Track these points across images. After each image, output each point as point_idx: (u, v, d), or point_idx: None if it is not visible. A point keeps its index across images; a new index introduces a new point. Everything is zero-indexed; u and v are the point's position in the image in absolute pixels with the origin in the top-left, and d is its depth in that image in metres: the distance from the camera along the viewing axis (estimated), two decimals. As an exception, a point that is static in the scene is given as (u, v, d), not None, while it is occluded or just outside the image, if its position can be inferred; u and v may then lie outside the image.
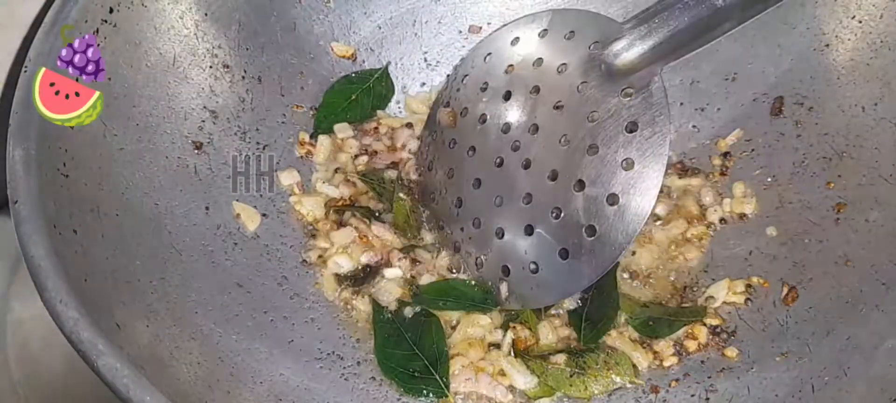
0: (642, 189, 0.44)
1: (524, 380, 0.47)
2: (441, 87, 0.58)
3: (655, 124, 0.44)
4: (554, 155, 0.47)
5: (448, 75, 0.58)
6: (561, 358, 0.47)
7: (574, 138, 0.47)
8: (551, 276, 0.47)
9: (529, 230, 0.48)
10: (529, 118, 0.49)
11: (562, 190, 0.46)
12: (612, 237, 0.45)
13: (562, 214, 0.46)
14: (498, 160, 0.50)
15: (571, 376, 0.46)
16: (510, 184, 0.49)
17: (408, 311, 0.49)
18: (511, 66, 0.51)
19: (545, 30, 0.50)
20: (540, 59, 0.49)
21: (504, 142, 0.50)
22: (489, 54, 0.53)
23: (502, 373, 0.47)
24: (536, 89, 0.49)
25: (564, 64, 0.48)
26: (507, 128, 0.50)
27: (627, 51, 0.45)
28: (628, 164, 0.45)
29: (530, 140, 0.48)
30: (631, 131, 0.45)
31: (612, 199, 0.45)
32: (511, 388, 0.47)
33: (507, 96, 0.50)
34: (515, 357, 0.47)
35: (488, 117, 0.51)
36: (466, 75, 0.54)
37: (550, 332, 0.48)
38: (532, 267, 0.48)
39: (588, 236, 0.46)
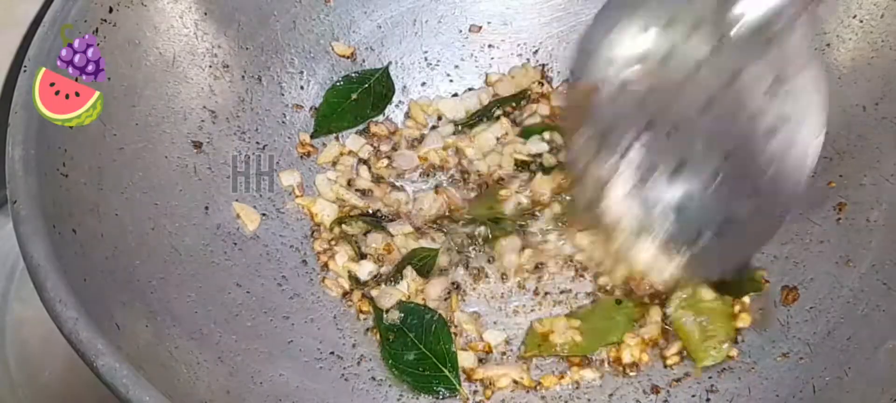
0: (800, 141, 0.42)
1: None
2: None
3: (799, 78, 0.42)
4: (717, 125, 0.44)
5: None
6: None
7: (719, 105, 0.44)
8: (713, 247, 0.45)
9: (691, 199, 0.45)
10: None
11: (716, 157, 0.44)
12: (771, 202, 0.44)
13: (720, 183, 0.44)
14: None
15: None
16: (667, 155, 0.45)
17: (405, 312, 0.48)
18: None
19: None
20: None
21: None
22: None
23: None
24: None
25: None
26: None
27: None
28: (782, 121, 0.42)
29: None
30: (774, 88, 0.42)
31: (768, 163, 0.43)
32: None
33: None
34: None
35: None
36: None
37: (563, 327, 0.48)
38: (696, 236, 0.46)
39: (749, 201, 0.44)
